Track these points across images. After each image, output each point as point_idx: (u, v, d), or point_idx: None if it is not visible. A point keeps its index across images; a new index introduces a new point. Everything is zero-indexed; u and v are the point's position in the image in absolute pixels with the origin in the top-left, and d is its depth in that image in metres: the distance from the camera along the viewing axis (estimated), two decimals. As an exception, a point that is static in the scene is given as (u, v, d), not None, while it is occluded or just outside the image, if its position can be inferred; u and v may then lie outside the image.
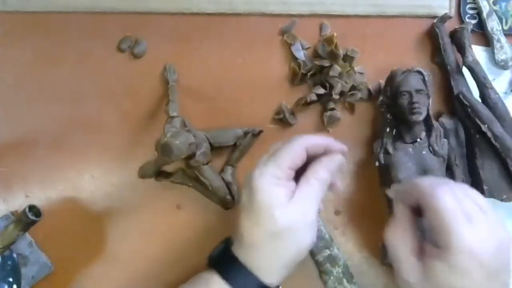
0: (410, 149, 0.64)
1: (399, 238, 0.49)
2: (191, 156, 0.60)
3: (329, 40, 0.67)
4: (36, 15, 0.68)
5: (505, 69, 0.68)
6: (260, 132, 0.66)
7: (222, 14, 0.68)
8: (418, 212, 0.49)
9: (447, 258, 0.44)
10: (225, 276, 0.50)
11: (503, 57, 0.67)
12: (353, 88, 0.67)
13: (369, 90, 0.68)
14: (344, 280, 0.64)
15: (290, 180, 0.50)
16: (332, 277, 0.64)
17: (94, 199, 0.67)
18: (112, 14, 0.68)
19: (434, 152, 0.63)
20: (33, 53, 0.68)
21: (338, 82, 0.65)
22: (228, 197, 0.64)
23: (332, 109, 0.66)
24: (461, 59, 0.67)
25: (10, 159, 0.67)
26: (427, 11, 0.69)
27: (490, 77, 0.66)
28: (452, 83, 0.66)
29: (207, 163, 0.62)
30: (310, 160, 0.52)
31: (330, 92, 0.65)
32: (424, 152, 0.63)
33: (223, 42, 0.68)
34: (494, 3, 0.69)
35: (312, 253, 0.64)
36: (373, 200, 0.67)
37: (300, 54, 0.68)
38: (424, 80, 0.62)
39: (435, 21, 0.68)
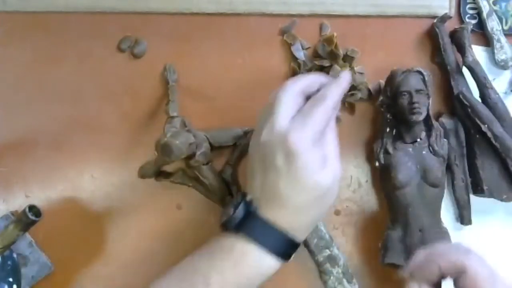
0: (410, 149, 0.64)
1: None
2: (191, 156, 0.60)
3: (329, 40, 0.67)
4: (36, 15, 0.68)
5: (505, 69, 0.68)
6: (260, 132, 0.66)
7: (222, 14, 0.68)
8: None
9: None
10: (260, 240, 0.50)
11: (503, 57, 0.67)
12: (353, 88, 0.67)
13: (369, 90, 0.68)
14: (344, 280, 0.64)
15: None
16: (332, 277, 0.64)
17: (94, 199, 0.67)
18: (112, 14, 0.68)
19: (434, 152, 0.63)
20: (33, 53, 0.68)
21: (338, 82, 0.65)
22: (228, 197, 0.64)
23: (332, 109, 0.66)
24: (461, 59, 0.67)
25: (10, 159, 0.67)
26: (427, 11, 0.69)
27: (490, 77, 0.66)
28: (452, 83, 0.66)
29: (207, 163, 0.62)
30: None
31: (330, 92, 0.65)
32: (424, 152, 0.63)
33: (223, 42, 0.68)
34: (494, 3, 0.69)
35: (312, 253, 0.64)
36: (373, 200, 0.67)
37: (300, 54, 0.68)
38: (424, 80, 0.62)
39: (435, 21, 0.68)
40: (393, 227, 0.63)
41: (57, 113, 0.68)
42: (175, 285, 0.52)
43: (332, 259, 0.64)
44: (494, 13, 0.68)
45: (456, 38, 0.67)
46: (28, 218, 0.55)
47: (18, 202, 0.67)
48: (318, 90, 0.54)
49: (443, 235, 0.63)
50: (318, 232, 0.64)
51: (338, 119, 0.67)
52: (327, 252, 0.64)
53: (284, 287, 0.65)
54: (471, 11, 0.69)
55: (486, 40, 0.69)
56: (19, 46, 0.68)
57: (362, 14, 0.68)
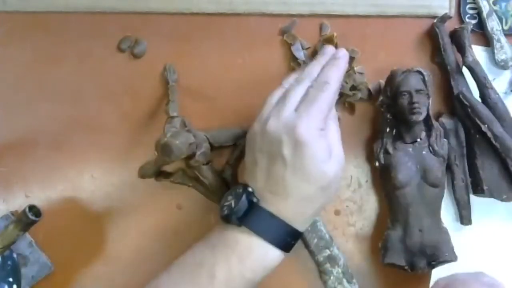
0: (410, 149, 0.64)
1: None
2: (191, 156, 0.60)
3: (329, 40, 0.67)
4: (36, 15, 0.68)
5: (505, 69, 0.68)
6: (260, 132, 0.66)
7: (222, 14, 0.68)
8: None
9: None
10: (265, 234, 0.50)
11: (503, 57, 0.67)
12: (353, 88, 0.67)
13: (369, 90, 0.68)
14: (344, 280, 0.64)
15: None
16: (332, 277, 0.64)
17: (94, 199, 0.67)
18: (112, 14, 0.68)
19: (434, 152, 0.63)
20: (33, 53, 0.68)
21: (338, 82, 0.65)
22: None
23: (332, 109, 0.66)
24: (461, 59, 0.67)
25: (10, 159, 0.67)
26: (427, 11, 0.69)
27: (490, 77, 0.66)
28: (452, 83, 0.66)
29: (207, 163, 0.62)
30: None
31: (330, 92, 0.65)
32: (424, 152, 0.63)
33: (223, 42, 0.68)
34: (494, 3, 0.69)
35: (312, 253, 0.64)
36: (373, 200, 0.67)
37: (300, 54, 0.68)
38: (424, 80, 0.62)
39: (435, 21, 0.68)
40: (393, 227, 0.63)
41: (57, 113, 0.68)
42: (178, 278, 0.52)
43: (332, 259, 0.64)
44: (494, 13, 0.68)
45: (456, 38, 0.67)
46: (28, 218, 0.55)
47: (18, 202, 0.67)
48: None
49: (443, 235, 0.63)
50: (318, 232, 0.64)
51: (338, 119, 0.66)
52: (327, 252, 0.64)
53: (284, 287, 0.65)
54: (471, 11, 0.69)
55: (486, 40, 0.69)
56: (19, 46, 0.68)
57: (362, 14, 0.68)
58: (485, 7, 0.68)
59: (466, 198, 0.66)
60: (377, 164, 0.65)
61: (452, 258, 0.62)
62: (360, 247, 0.67)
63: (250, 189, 0.52)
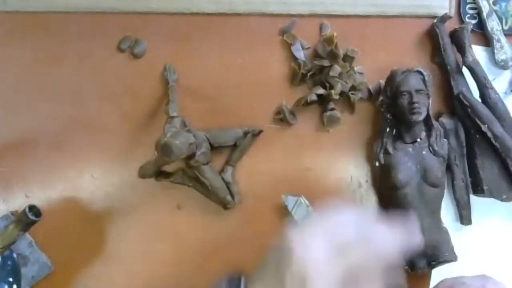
0: (410, 149, 0.64)
1: None
2: (191, 156, 0.60)
3: (329, 40, 0.67)
4: (36, 15, 0.68)
5: (505, 69, 0.68)
6: (260, 132, 0.66)
7: (222, 14, 0.68)
8: None
9: None
10: None
11: (503, 57, 0.67)
12: (353, 88, 0.67)
13: (369, 90, 0.68)
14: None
15: None
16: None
17: (94, 199, 0.67)
18: (112, 14, 0.68)
19: (434, 152, 0.63)
20: (33, 53, 0.68)
21: (338, 82, 0.65)
22: (228, 197, 0.64)
23: (332, 109, 0.66)
24: (461, 59, 0.67)
25: (10, 159, 0.67)
26: (427, 11, 0.69)
27: (490, 77, 0.66)
28: (452, 83, 0.66)
29: (207, 163, 0.62)
30: None
31: (330, 92, 0.65)
32: (424, 152, 0.63)
33: (223, 42, 0.68)
34: (494, 3, 0.69)
35: (312, 253, 0.64)
36: (373, 200, 0.67)
37: (300, 54, 0.68)
38: (424, 80, 0.62)
39: (435, 21, 0.68)
40: (393, 227, 0.63)
41: (57, 113, 0.68)
42: None
43: (332, 259, 0.64)
44: (494, 13, 0.68)
45: (456, 38, 0.67)
46: (28, 218, 0.55)
47: (18, 202, 0.66)
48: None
49: (443, 235, 0.63)
50: (318, 232, 0.64)
51: (338, 119, 0.66)
52: (327, 252, 0.64)
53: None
54: (471, 11, 0.69)
55: (486, 40, 0.69)
56: (19, 46, 0.68)
57: (362, 14, 0.69)
58: (485, 7, 0.68)
59: (466, 198, 0.66)
60: (377, 164, 0.65)
61: (452, 258, 0.62)
62: (360, 247, 0.67)
63: None
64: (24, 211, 0.55)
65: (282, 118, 0.67)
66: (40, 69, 0.68)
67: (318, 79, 0.67)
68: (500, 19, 0.68)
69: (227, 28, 0.69)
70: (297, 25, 0.69)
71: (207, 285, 0.67)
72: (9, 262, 0.62)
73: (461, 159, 0.65)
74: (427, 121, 0.63)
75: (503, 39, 0.68)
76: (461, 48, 0.66)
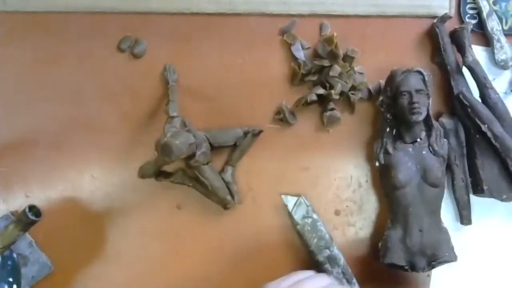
0: (410, 149, 0.64)
1: None
2: (191, 156, 0.60)
3: (329, 40, 0.67)
4: (36, 15, 0.68)
5: (505, 69, 0.68)
6: (260, 132, 0.66)
7: (222, 14, 0.68)
8: None
9: None
10: None
11: (503, 57, 0.67)
12: (353, 88, 0.67)
13: (369, 90, 0.68)
14: (344, 280, 0.64)
15: None
16: (332, 277, 0.64)
17: (94, 199, 0.67)
18: (112, 14, 0.68)
19: (434, 152, 0.63)
20: (33, 53, 0.68)
21: (338, 82, 0.65)
22: (228, 197, 0.64)
23: (332, 109, 0.66)
24: (461, 59, 0.67)
25: (10, 159, 0.67)
26: (427, 11, 0.69)
27: (490, 77, 0.66)
28: (452, 83, 0.66)
29: (207, 163, 0.62)
30: None
31: (330, 92, 0.65)
32: (424, 152, 0.63)
33: (223, 42, 0.68)
34: (494, 3, 0.69)
35: (312, 253, 0.64)
36: (373, 200, 0.67)
37: (300, 54, 0.68)
38: (424, 80, 0.62)
39: (435, 21, 0.68)
40: (393, 227, 0.63)
41: (57, 113, 0.68)
42: None
43: (332, 259, 0.64)
44: (494, 13, 0.68)
45: (456, 38, 0.67)
46: (28, 218, 0.55)
47: (18, 202, 0.67)
48: None
49: (443, 235, 0.63)
50: (318, 232, 0.64)
51: (338, 119, 0.67)
52: (327, 252, 0.64)
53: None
54: (471, 11, 0.69)
55: (486, 40, 0.69)
56: (19, 46, 0.68)
57: (362, 14, 0.69)
58: (485, 7, 0.68)
59: (466, 198, 0.66)
60: (377, 164, 0.65)
61: (452, 258, 0.62)
62: (360, 247, 0.67)
63: None
64: (24, 211, 0.55)
65: (282, 118, 0.67)
66: (40, 69, 0.68)
67: (318, 79, 0.67)
68: (500, 19, 0.68)
69: (227, 28, 0.69)
70: (297, 25, 0.69)
71: (207, 284, 0.67)
72: (9, 262, 0.62)
73: (461, 159, 0.65)
74: (427, 121, 0.63)
75: (503, 39, 0.68)
76: (461, 48, 0.66)
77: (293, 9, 0.68)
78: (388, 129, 0.65)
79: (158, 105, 0.67)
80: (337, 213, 0.67)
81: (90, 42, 0.68)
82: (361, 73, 0.68)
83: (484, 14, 0.68)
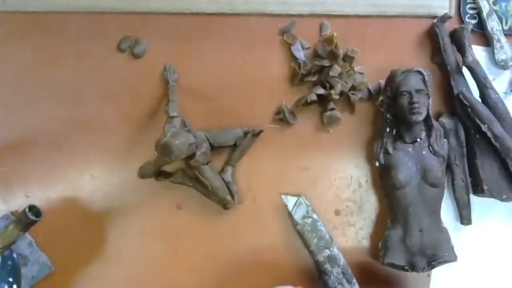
0: (410, 149, 0.64)
1: None
2: (191, 156, 0.60)
3: (329, 40, 0.67)
4: (36, 15, 0.68)
5: (505, 69, 0.68)
6: (260, 132, 0.66)
7: (222, 14, 0.68)
8: None
9: None
10: None
11: (503, 57, 0.67)
12: (353, 88, 0.67)
13: (369, 90, 0.68)
14: (344, 280, 0.64)
15: None
16: (332, 277, 0.64)
17: (94, 199, 0.67)
18: (112, 14, 0.68)
19: (434, 152, 0.63)
20: (33, 53, 0.68)
21: (338, 82, 0.65)
22: (228, 197, 0.64)
23: (332, 109, 0.66)
24: (461, 59, 0.67)
25: (10, 159, 0.67)
26: (427, 11, 0.69)
27: (490, 77, 0.66)
28: (452, 83, 0.66)
29: (207, 163, 0.62)
30: None
31: (330, 92, 0.65)
32: (424, 152, 0.63)
33: (223, 42, 0.68)
34: (494, 3, 0.69)
35: (312, 253, 0.64)
36: (373, 200, 0.67)
37: (300, 54, 0.68)
38: (424, 80, 0.62)
39: (435, 21, 0.68)
40: (393, 227, 0.63)
41: (57, 113, 0.68)
42: None
43: (332, 259, 0.64)
44: (494, 13, 0.68)
45: (456, 38, 0.67)
46: (28, 218, 0.55)
47: (18, 202, 0.67)
48: None
49: (443, 235, 0.63)
50: (318, 232, 0.64)
51: (338, 119, 0.67)
52: (327, 252, 0.64)
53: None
54: (471, 11, 0.69)
55: (486, 40, 0.69)
56: (19, 46, 0.68)
57: (362, 14, 0.69)
58: (485, 7, 0.68)
59: (466, 198, 0.66)
60: (377, 164, 0.65)
61: (452, 258, 0.62)
62: (360, 247, 0.67)
63: None
64: (24, 211, 0.55)
65: (282, 118, 0.67)
66: (40, 69, 0.68)
67: (318, 79, 0.67)
68: (500, 19, 0.68)
69: (227, 28, 0.69)
70: (297, 25, 0.69)
71: (207, 284, 0.67)
72: (9, 262, 0.62)
73: (461, 159, 0.65)
74: (427, 121, 0.63)
75: (503, 39, 0.68)
76: (461, 48, 0.66)
77: (293, 9, 0.68)
78: (388, 129, 0.65)
79: (158, 105, 0.67)
80: (337, 213, 0.67)
81: (90, 42, 0.68)
82: (361, 73, 0.68)
83: (484, 14, 0.68)
